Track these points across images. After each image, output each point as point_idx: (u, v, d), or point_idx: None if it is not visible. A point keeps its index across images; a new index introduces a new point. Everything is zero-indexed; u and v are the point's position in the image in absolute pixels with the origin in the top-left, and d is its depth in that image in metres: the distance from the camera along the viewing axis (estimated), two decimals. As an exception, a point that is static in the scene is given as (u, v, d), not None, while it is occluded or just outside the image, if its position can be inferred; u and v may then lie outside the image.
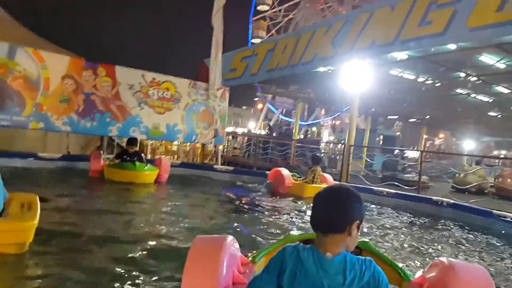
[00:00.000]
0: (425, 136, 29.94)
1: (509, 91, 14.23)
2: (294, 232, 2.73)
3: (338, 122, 36.73)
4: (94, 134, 10.26)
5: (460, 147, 30.20)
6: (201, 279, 1.77)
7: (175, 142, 19.50)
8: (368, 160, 15.35)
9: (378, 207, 7.37)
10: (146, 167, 7.69)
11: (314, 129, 40.40)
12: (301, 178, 8.45)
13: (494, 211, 6.51)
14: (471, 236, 5.53)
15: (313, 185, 7.78)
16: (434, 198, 7.63)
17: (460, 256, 4.40)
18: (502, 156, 22.60)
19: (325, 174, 8.53)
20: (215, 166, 10.43)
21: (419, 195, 8.42)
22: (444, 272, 2.00)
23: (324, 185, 7.11)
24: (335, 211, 1.53)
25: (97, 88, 9.31)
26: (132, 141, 8.19)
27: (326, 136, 37.09)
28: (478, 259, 4.28)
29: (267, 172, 9.42)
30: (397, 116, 27.89)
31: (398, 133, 31.84)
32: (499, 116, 19.91)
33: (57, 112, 8.82)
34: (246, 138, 21.21)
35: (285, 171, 8.14)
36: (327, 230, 1.52)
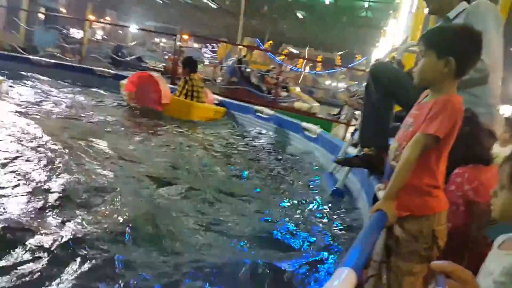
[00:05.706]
0: (91, 17, 28.47)
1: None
2: None
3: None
4: None
5: (125, 30, 30.60)
6: None
7: None
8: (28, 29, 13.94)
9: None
10: None
11: None
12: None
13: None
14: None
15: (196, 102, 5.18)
16: (95, 68, 7.59)
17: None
18: (162, 44, 24.51)
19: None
20: None
21: (81, 65, 8.13)
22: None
23: (211, 106, 5.55)
24: None
25: None
26: None
27: None
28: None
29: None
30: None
31: (63, 9, 28.62)
32: (162, 1, 21.28)
33: None
34: None
35: (159, 78, 5.13)
36: None
